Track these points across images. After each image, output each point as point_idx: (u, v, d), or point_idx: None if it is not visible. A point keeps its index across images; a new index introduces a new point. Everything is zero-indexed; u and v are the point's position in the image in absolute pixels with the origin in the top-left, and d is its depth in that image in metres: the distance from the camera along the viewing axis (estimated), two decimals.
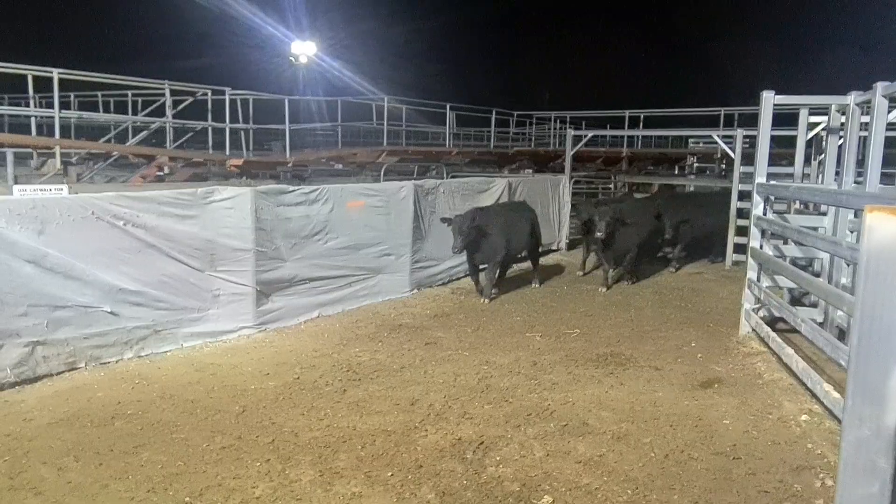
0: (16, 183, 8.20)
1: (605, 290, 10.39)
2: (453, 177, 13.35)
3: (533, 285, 10.66)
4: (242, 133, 13.62)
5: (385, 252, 9.44)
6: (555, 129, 26.59)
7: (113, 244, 6.48)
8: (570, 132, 15.14)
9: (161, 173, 11.35)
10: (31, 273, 5.89)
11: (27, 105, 11.87)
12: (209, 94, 12.55)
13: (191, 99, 12.46)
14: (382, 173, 12.80)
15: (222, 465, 4.55)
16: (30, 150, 10.79)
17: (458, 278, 10.89)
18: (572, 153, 14.93)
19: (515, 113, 25.83)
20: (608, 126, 23.93)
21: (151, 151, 11.83)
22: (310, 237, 8.32)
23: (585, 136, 15.43)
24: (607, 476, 4.50)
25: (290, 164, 13.51)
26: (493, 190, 11.87)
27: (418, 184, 10.31)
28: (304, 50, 30.34)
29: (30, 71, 10.14)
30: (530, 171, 16.91)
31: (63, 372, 6.12)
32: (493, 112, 21.44)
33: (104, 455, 4.66)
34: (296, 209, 8.18)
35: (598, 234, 9.99)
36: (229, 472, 4.47)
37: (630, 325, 8.53)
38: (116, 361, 6.49)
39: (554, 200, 13.94)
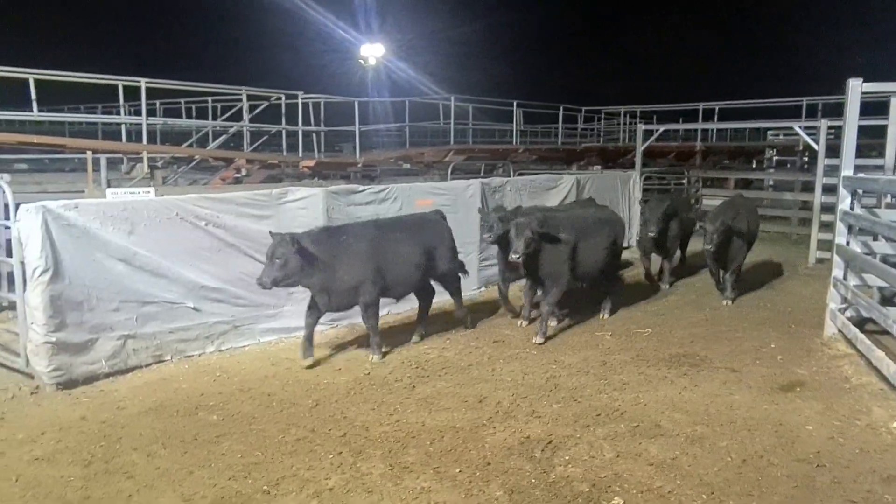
0: (108, 186, 8.73)
1: (539, 340, 7.38)
2: (520, 174, 13.28)
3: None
4: (314, 135, 14.03)
5: None
6: (624, 123, 25.98)
7: (195, 243, 6.83)
8: (641, 127, 14.74)
9: (238, 175, 11.85)
10: (122, 271, 6.28)
11: (118, 113, 12.65)
12: (283, 98, 13.00)
13: (266, 103, 12.95)
14: (450, 172, 12.86)
15: (297, 457, 4.72)
16: (120, 155, 11.50)
17: None
18: (643, 148, 14.55)
19: (583, 109, 25.43)
20: (681, 119, 23.17)
21: (230, 154, 12.38)
22: None
23: (657, 130, 15.01)
24: (681, 479, 4.39)
25: (359, 165, 13.81)
26: (561, 187, 11.73)
27: (485, 182, 10.33)
28: (372, 52, 30.90)
29: (120, 81, 10.82)
30: (598, 167, 16.59)
31: (151, 364, 6.50)
32: (561, 108, 21.19)
33: (189, 443, 4.92)
34: (365, 208, 8.36)
35: (514, 257, 7.09)
36: (303, 463, 4.63)
37: (704, 324, 8.26)
38: (199, 355, 6.84)
39: (624, 197, 13.64)
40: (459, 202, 9.63)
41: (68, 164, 13.57)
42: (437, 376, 6.37)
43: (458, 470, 4.52)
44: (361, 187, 8.61)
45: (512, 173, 13.31)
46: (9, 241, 6.28)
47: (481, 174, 13.25)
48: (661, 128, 15.56)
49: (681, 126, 21.81)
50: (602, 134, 26.57)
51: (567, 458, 4.70)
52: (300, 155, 13.01)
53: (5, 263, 6.70)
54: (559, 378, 6.30)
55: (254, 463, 4.63)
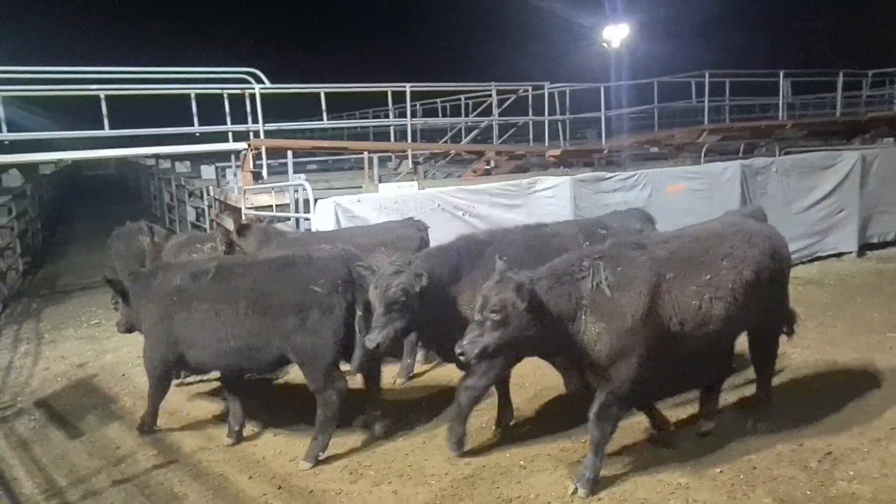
0: (380, 181, 9.89)
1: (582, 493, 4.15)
2: (787, 153, 11.86)
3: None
4: (559, 124, 14.15)
5: None
6: None
7: (454, 231, 7.33)
8: None
9: (488, 167, 12.50)
10: None
11: (386, 116, 14.18)
12: (530, 90, 13.34)
13: (514, 97, 13.40)
14: (703, 154, 12.00)
15: (548, 444, 4.90)
16: (388, 154, 12.92)
17: (800, 263, 9.68)
18: None
19: (870, 72, 21.65)
20: None
21: (480, 148, 13.10)
22: None
23: None
24: None
25: (605, 151, 13.60)
26: (840, 166, 10.20)
27: (745, 163, 9.48)
28: (616, 34, 29.94)
29: (388, 88, 12.12)
30: (892, 139, 14.03)
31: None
32: (840, 74, 18.34)
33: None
34: (613, 195, 8.27)
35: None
36: (558, 445, 4.79)
37: None
38: None
39: None
40: (715, 186, 8.99)
41: (346, 164, 15.62)
42: None
43: (718, 470, 4.30)
44: (609, 174, 8.53)
45: (777, 152, 11.95)
46: (308, 231, 7.50)
47: (740, 154, 12.11)
48: None
49: None
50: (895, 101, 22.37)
51: (851, 472, 4.18)
52: (546, 144, 13.24)
53: None
54: (838, 383, 5.57)
55: (511, 439, 4.92)
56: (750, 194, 9.23)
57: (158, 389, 5.12)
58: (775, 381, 5.62)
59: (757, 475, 4.22)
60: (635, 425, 4.96)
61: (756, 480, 4.16)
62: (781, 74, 16.14)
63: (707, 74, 14.53)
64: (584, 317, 3.92)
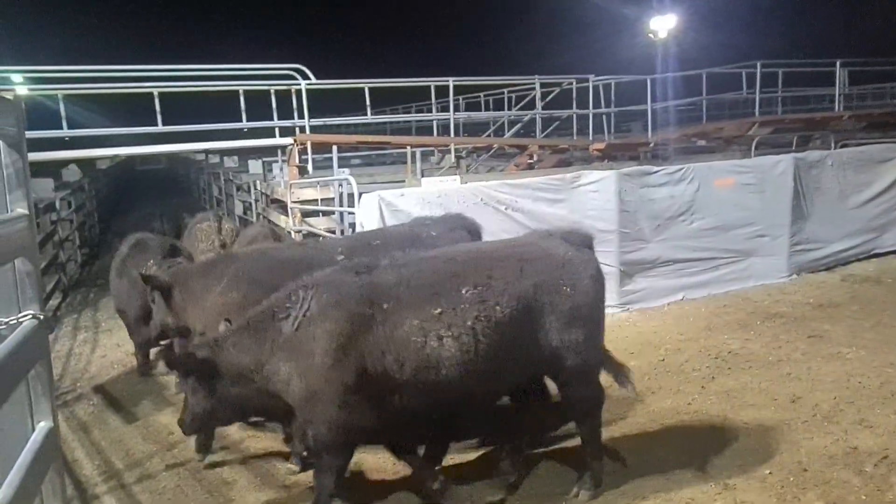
0: (422, 176, 9.94)
1: None
2: (843, 146, 11.43)
3: None
4: (604, 117, 13.95)
5: (758, 233, 8.67)
6: None
7: (497, 226, 7.37)
8: None
9: (531, 161, 12.43)
10: None
11: (428, 111, 14.21)
12: (574, 83, 13.18)
13: (557, 90, 13.26)
14: (753, 147, 11.66)
15: None
16: (431, 148, 12.95)
17: (848, 263, 9.36)
18: None
19: None
20: None
21: (523, 142, 13.03)
22: (674, 218, 8.15)
23: None
24: None
25: (651, 145, 13.36)
26: None
27: (799, 157, 9.15)
28: (663, 24, 29.28)
29: (431, 82, 12.15)
30: None
31: None
32: None
33: None
34: (659, 190, 8.10)
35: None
36: None
37: None
38: None
39: None
40: (766, 181, 8.71)
41: (389, 158, 15.74)
42: (739, 369, 5.94)
43: (767, 471, 4.19)
44: (655, 168, 8.35)
45: (833, 145, 11.52)
46: (352, 225, 7.61)
47: (793, 148, 11.72)
48: None
49: None
50: None
51: None
52: (590, 138, 13.07)
53: None
54: None
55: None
56: (803, 188, 8.92)
57: None
58: (832, 383, 5.47)
59: (808, 478, 4.11)
60: (678, 423, 4.89)
61: (807, 483, 4.05)
62: (838, 63, 15.53)
63: (759, 65, 14.09)
64: (276, 356, 3.45)
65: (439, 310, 3.41)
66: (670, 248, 8.13)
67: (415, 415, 3.60)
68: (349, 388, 3.37)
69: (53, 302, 9.91)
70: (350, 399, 3.39)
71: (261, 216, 11.34)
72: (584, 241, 4.14)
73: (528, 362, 3.69)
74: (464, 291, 3.48)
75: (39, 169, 11.30)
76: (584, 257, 3.94)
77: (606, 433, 4.78)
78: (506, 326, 3.49)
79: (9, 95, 2.47)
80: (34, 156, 9.93)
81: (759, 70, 14.03)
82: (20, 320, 2.02)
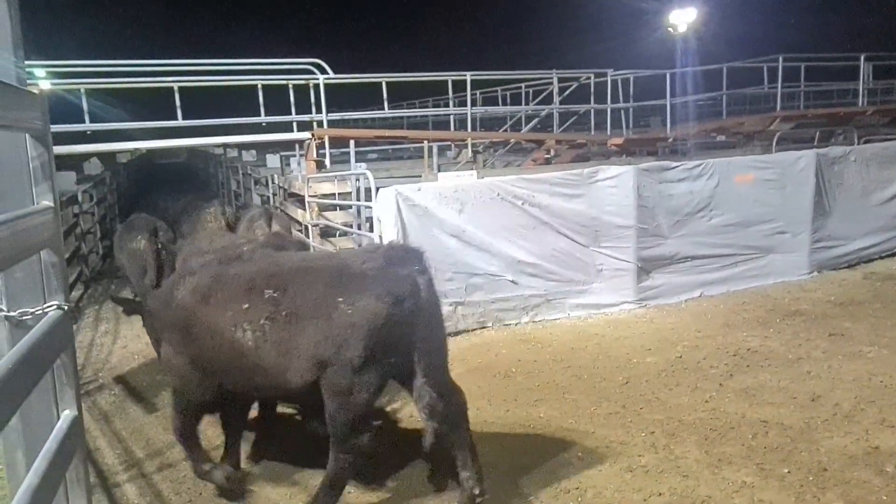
0: (439, 171, 9.94)
1: None
2: (866, 141, 11.24)
3: None
4: (622, 112, 13.84)
5: (778, 230, 8.57)
6: None
7: (513, 221, 7.39)
8: None
9: (549, 156, 12.37)
10: (454, 245, 7.14)
11: (446, 105, 14.19)
12: (592, 77, 13.08)
13: (575, 84, 13.18)
14: (774, 142, 11.50)
15: (609, 430, 4.86)
16: (448, 142, 12.94)
17: (870, 260, 9.23)
18: None
19: None
20: None
21: (540, 137, 12.97)
22: (692, 214, 8.08)
23: None
24: None
25: (670, 140, 13.23)
26: None
27: (821, 152, 9.02)
28: (683, 17, 28.91)
29: (449, 76, 12.13)
30: None
31: (475, 329, 7.28)
32: None
33: (510, 403, 5.43)
34: (678, 185, 8.04)
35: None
36: (615, 436, 4.75)
37: None
38: (515, 324, 7.43)
39: None
40: (787, 177, 8.61)
41: (406, 153, 15.75)
42: (758, 367, 5.89)
43: (786, 470, 4.16)
44: (674, 163, 8.28)
45: (856, 140, 11.34)
46: (369, 219, 7.63)
47: (815, 143, 11.55)
48: None
49: None
50: None
51: None
52: (608, 133, 12.98)
53: (366, 237, 8.13)
54: None
55: (567, 430, 4.91)
56: (825, 184, 8.80)
57: None
58: (853, 382, 5.40)
59: (828, 477, 4.06)
60: (695, 421, 4.86)
61: (827, 483, 4.01)
62: (863, 58, 15.25)
63: (781, 59, 13.88)
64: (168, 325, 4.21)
65: (247, 305, 3.79)
66: (689, 244, 8.07)
67: (231, 394, 4.14)
68: (190, 360, 3.98)
69: (75, 293, 10.05)
70: (186, 370, 4.03)
71: (278, 209, 11.42)
72: (406, 258, 3.92)
73: (303, 367, 3.67)
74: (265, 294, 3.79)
75: (62, 162, 11.49)
76: (389, 273, 3.72)
77: (622, 430, 4.79)
78: (286, 330, 3.70)
79: (34, 90, 2.49)
80: (57, 149, 10.04)
81: (780, 64, 13.82)
82: (46, 310, 2.06)
